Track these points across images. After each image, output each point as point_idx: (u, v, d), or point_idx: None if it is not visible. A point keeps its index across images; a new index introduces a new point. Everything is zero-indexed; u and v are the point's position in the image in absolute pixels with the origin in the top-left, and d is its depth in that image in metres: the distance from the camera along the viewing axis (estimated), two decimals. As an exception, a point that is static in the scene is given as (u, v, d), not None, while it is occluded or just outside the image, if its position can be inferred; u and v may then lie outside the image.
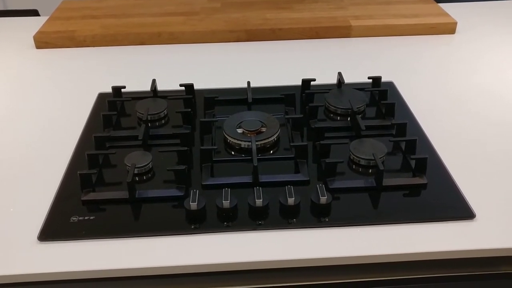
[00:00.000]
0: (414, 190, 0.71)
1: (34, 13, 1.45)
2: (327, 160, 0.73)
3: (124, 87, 0.93)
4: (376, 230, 0.66)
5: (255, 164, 0.71)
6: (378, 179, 0.71)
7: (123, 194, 0.70)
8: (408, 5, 1.28)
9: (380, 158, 0.73)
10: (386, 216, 0.67)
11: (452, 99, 0.94)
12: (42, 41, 1.16)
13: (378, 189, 0.71)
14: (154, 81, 0.93)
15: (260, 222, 0.66)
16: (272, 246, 0.63)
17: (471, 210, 0.68)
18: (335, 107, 0.88)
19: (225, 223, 0.66)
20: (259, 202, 0.66)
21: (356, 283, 0.67)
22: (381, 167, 0.70)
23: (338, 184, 0.72)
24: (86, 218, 0.67)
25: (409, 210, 0.68)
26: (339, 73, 0.94)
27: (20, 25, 1.28)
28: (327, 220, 0.66)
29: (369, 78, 0.95)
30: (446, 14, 1.23)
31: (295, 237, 0.65)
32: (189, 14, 1.24)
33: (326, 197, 0.67)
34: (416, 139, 0.77)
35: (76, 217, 0.67)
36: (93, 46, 1.16)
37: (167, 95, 0.91)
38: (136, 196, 0.70)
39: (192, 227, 0.66)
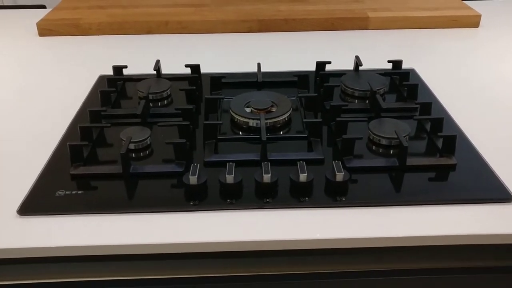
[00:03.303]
0: (442, 171, 0.63)
1: (42, 8, 1.41)
2: (344, 137, 0.65)
3: (126, 67, 0.87)
4: (400, 211, 0.58)
5: (264, 139, 0.64)
6: (401, 158, 0.63)
7: (116, 168, 0.63)
8: (428, -1, 1.22)
9: (404, 136, 0.65)
10: (410, 197, 0.59)
11: (478, 90, 0.86)
12: (46, 28, 1.11)
13: (402, 169, 0.63)
14: (158, 61, 0.87)
15: (267, 199, 0.59)
16: (280, 226, 0.56)
17: (508, 191, 0.59)
18: (352, 89, 0.80)
19: (229, 200, 0.59)
20: (267, 177, 0.59)
21: (372, 272, 0.59)
22: (405, 144, 0.62)
23: (356, 163, 0.64)
24: (73, 192, 0.60)
25: (437, 191, 0.60)
26: (357, 57, 0.87)
27: (25, 15, 1.24)
28: (343, 199, 0.59)
29: (389, 61, 0.88)
30: (469, 7, 1.17)
31: (307, 217, 0.57)
32: (199, 6, 1.19)
33: (343, 174, 0.59)
34: (443, 118, 0.69)
35: (62, 191, 0.60)
36: (99, 35, 1.11)
37: (171, 77, 0.85)
38: (131, 171, 0.63)
39: (191, 203, 0.58)
